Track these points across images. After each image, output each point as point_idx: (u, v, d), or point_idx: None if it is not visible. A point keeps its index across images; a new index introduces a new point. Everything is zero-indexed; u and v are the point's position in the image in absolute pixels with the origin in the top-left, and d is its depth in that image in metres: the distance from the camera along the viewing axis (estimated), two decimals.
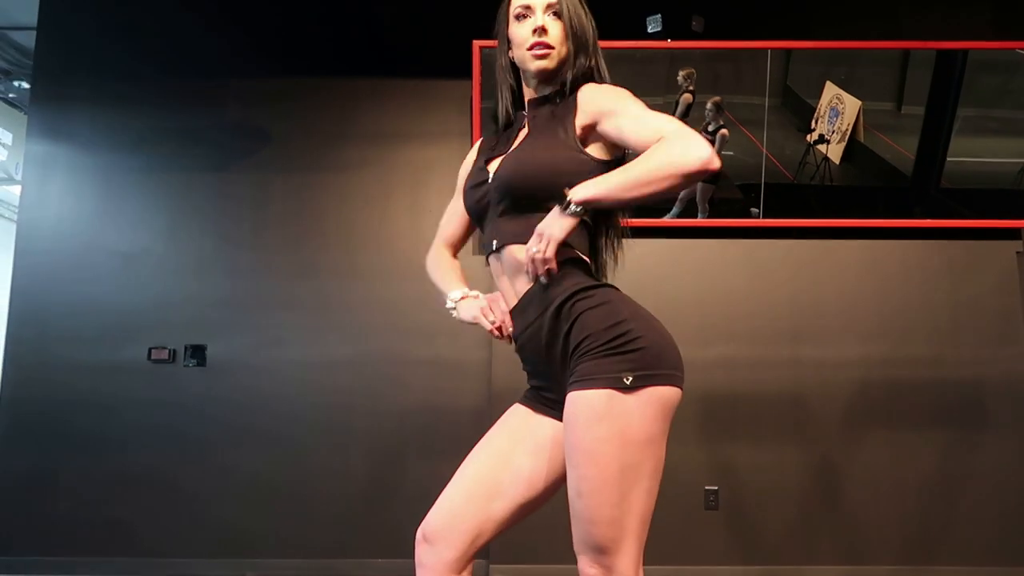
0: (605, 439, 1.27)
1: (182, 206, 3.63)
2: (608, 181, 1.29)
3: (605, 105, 1.44)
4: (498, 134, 1.64)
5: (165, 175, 3.65)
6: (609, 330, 1.31)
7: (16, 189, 5.90)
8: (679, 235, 3.50)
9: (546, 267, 1.32)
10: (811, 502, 3.38)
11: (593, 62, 1.57)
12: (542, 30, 1.49)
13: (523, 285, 1.46)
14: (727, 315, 3.48)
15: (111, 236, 3.61)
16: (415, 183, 3.66)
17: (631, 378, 1.27)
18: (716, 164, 1.27)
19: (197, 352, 3.51)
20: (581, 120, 1.46)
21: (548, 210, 1.36)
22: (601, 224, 1.57)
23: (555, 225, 1.31)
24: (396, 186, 3.66)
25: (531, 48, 1.50)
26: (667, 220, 3.45)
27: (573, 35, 1.52)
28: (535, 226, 1.36)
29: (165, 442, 3.44)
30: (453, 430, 3.46)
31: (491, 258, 1.55)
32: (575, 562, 1.43)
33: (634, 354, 1.29)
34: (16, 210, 4.82)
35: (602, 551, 1.31)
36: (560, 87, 1.54)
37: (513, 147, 1.52)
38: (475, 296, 1.63)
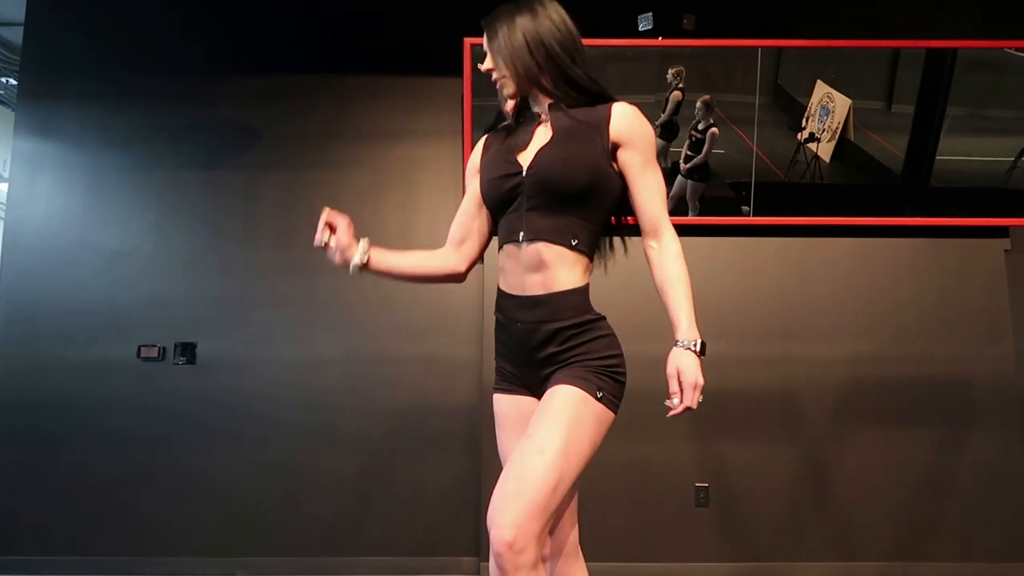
0: (577, 420, 1.49)
1: (172, 204, 3.62)
2: (691, 307, 1.69)
3: (637, 144, 1.60)
4: (501, 131, 1.71)
5: (154, 172, 3.63)
6: (605, 359, 1.58)
7: (4, 186, 5.86)
8: None
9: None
10: (801, 498, 3.39)
11: (574, 73, 1.63)
12: (487, 71, 1.68)
13: (534, 282, 1.58)
14: (717, 313, 3.49)
15: (100, 234, 3.59)
16: (406, 181, 3.65)
17: (601, 395, 1.53)
18: None
19: (187, 350, 3.50)
20: (613, 136, 1.59)
21: (581, 211, 1.57)
22: (607, 231, 1.73)
23: (696, 369, 1.63)
24: (387, 184, 3.65)
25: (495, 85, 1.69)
26: None
27: (504, 63, 1.63)
28: (568, 225, 1.57)
29: (154, 440, 3.43)
30: (444, 427, 3.46)
31: (510, 246, 1.62)
32: None
33: (612, 382, 1.57)
34: (3, 207, 4.78)
35: (530, 516, 1.39)
36: (562, 91, 1.63)
37: (545, 144, 1.59)
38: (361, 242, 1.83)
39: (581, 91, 1.62)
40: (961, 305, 3.51)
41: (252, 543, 3.39)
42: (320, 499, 3.44)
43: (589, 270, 1.65)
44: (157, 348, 3.49)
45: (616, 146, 1.59)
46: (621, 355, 1.62)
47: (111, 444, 3.44)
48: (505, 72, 1.63)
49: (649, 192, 1.60)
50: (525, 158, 1.60)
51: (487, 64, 1.67)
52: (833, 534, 3.37)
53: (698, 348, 1.59)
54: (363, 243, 1.81)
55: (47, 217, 3.60)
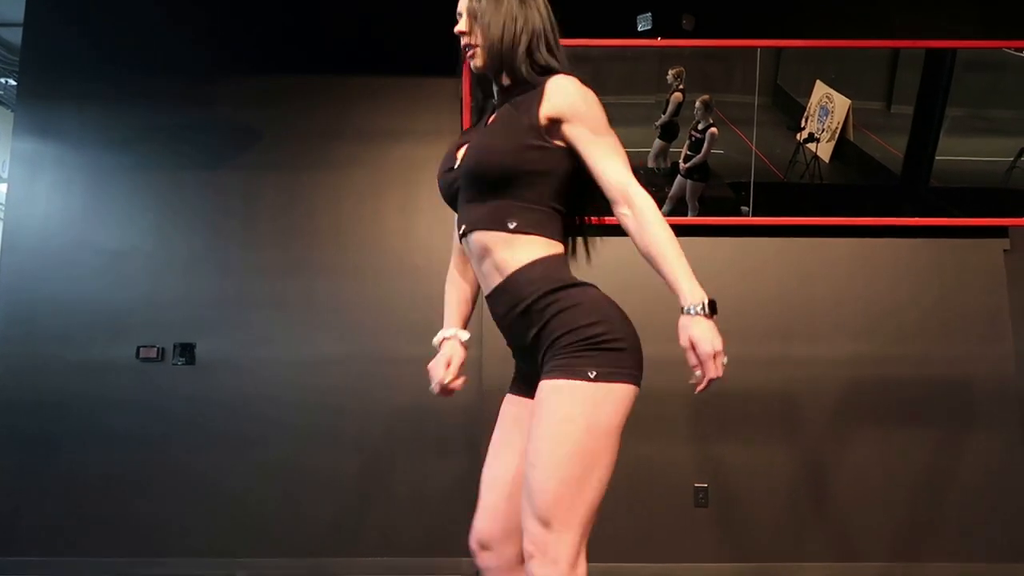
0: (569, 419, 1.35)
1: (171, 204, 3.61)
2: (685, 263, 1.45)
3: (580, 114, 1.49)
4: (476, 124, 1.69)
5: (154, 173, 3.63)
6: (580, 330, 1.39)
7: (3, 187, 5.85)
8: None
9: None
10: (801, 499, 3.39)
11: (540, 55, 1.55)
12: (462, 32, 1.58)
13: (489, 270, 1.53)
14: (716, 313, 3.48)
15: (99, 234, 3.58)
16: (406, 181, 3.65)
17: (595, 373, 1.36)
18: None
19: (186, 350, 3.49)
20: (547, 110, 1.48)
21: (515, 193, 1.48)
22: (574, 211, 1.62)
23: (710, 334, 1.38)
24: (387, 184, 3.65)
25: (463, 50, 1.59)
26: None
27: (482, 31, 1.54)
28: (501, 210, 1.48)
29: (154, 441, 3.43)
30: (443, 428, 3.46)
31: (462, 242, 1.59)
32: None
33: (602, 353, 1.38)
34: (3, 208, 4.78)
35: (544, 524, 1.33)
36: (520, 78, 1.55)
37: (478, 135, 1.57)
38: (452, 337, 1.74)
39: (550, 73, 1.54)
40: (960, 305, 3.51)
41: (251, 543, 3.39)
42: (319, 499, 3.44)
43: (551, 247, 1.51)
44: (156, 349, 3.49)
45: (555, 121, 1.48)
46: (603, 319, 1.41)
47: (110, 444, 3.43)
48: (479, 42, 1.55)
49: (606, 159, 1.47)
50: (463, 151, 1.58)
51: (462, 26, 1.57)
52: (833, 534, 3.37)
53: (707, 310, 1.39)
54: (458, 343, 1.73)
55: (46, 218, 3.60)
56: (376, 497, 3.43)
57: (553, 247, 1.51)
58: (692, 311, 1.39)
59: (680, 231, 3.66)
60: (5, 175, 5.29)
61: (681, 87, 3.41)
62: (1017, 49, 3.42)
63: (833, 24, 3.65)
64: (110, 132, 3.66)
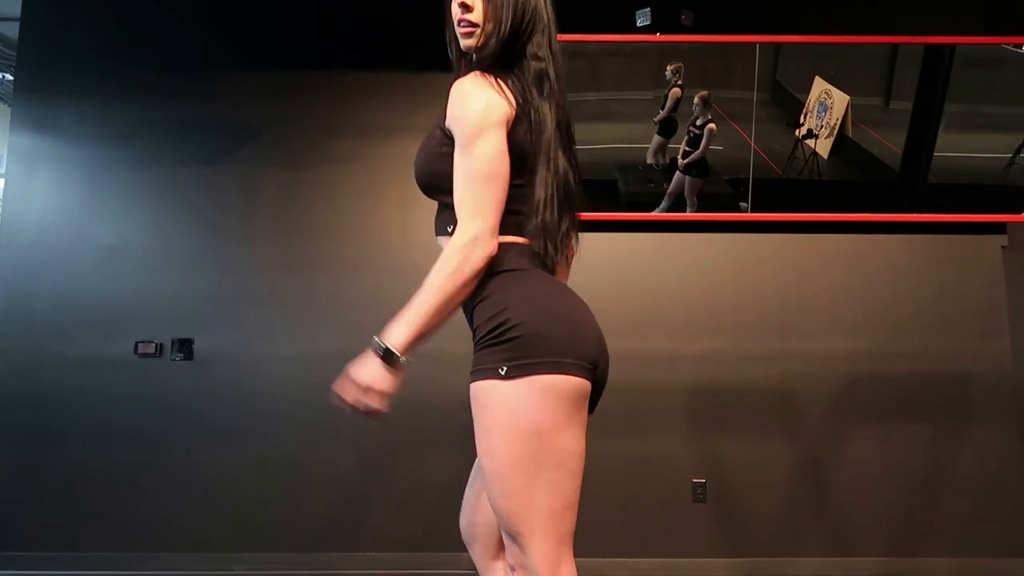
0: (489, 429, 1.28)
1: (169, 199, 3.61)
2: (419, 313, 1.29)
3: (454, 117, 1.39)
4: None
5: (152, 168, 3.62)
6: (490, 321, 1.30)
7: (0, 183, 5.84)
8: (667, 229, 3.51)
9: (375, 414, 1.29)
10: (798, 495, 3.40)
11: (533, 47, 1.45)
12: (465, 6, 1.44)
13: None
14: (715, 309, 3.49)
15: (97, 229, 3.58)
16: (405, 178, 3.63)
17: (506, 368, 1.25)
18: (490, 249, 1.30)
19: (184, 346, 3.49)
20: (447, 119, 1.43)
21: (446, 201, 1.39)
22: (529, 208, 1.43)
23: (373, 375, 1.29)
24: (386, 180, 3.64)
25: (458, 24, 1.47)
26: (655, 214, 3.45)
27: (495, 14, 1.42)
28: (445, 216, 1.42)
29: (152, 436, 3.43)
30: (441, 424, 3.46)
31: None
32: None
33: (509, 343, 1.26)
34: (0, 204, 4.77)
35: (512, 539, 1.29)
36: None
37: None
38: None
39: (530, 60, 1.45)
40: (958, 301, 3.51)
41: (249, 539, 3.39)
42: (317, 495, 3.44)
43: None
44: (154, 344, 3.49)
45: (450, 129, 1.40)
46: (510, 306, 1.30)
47: (108, 440, 3.43)
48: (484, 14, 1.44)
49: (456, 179, 1.36)
50: None
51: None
52: (830, 530, 3.37)
53: (381, 351, 1.32)
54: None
55: (44, 213, 3.59)
56: (374, 492, 3.44)
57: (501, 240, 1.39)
58: (373, 344, 1.33)
59: (678, 227, 3.66)
60: (2, 171, 5.27)
61: (680, 83, 3.40)
62: (1016, 45, 3.42)
63: (832, 20, 3.65)
64: (107, 127, 3.65)
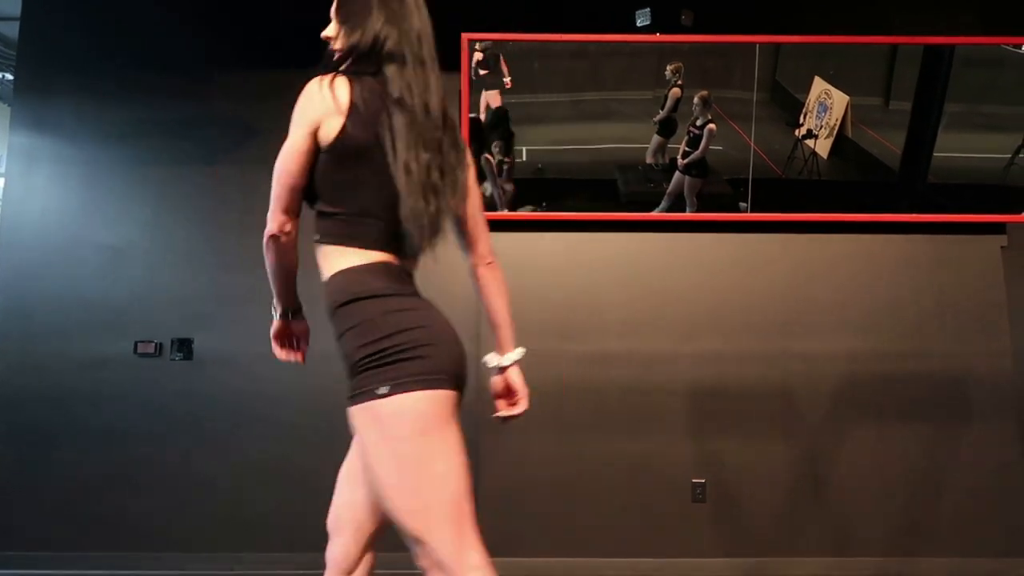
0: (376, 443, 1.40)
1: (169, 199, 3.60)
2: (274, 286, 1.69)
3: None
4: None
5: (151, 168, 3.62)
6: (363, 348, 1.42)
7: (0, 181, 5.84)
8: (667, 229, 3.51)
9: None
10: (798, 494, 3.40)
11: (392, 53, 1.55)
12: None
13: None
14: (715, 309, 3.49)
15: (97, 229, 3.58)
16: None
17: (386, 388, 1.38)
18: (273, 229, 1.66)
19: (184, 346, 3.49)
20: None
21: (314, 207, 1.68)
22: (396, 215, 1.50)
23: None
24: None
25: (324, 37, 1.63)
26: (655, 214, 3.45)
27: (345, 32, 1.64)
28: (315, 222, 1.64)
29: (151, 436, 3.42)
30: None
31: None
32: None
33: (385, 367, 1.39)
34: (0, 203, 4.76)
35: (416, 543, 1.39)
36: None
37: None
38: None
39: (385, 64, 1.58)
40: (958, 301, 3.51)
41: (248, 539, 3.39)
42: (317, 495, 3.42)
43: (360, 256, 1.56)
44: (154, 344, 3.49)
45: None
46: (380, 337, 1.43)
47: (108, 440, 3.43)
48: (332, 35, 1.77)
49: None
50: None
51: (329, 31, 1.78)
52: (830, 530, 3.37)
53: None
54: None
55: (43, 213, 3.59)
56: None
57: (361, 256, 1.54)
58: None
59: (678, 227, 3.66)
60: (2, 170, 5.27)
61: (679, 83, 3.40)
62: (1015, 45, 3.42)
63: (832, 20, 3.65)
64: (107, 127, 3.65)
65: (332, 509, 1.73)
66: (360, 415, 1.42)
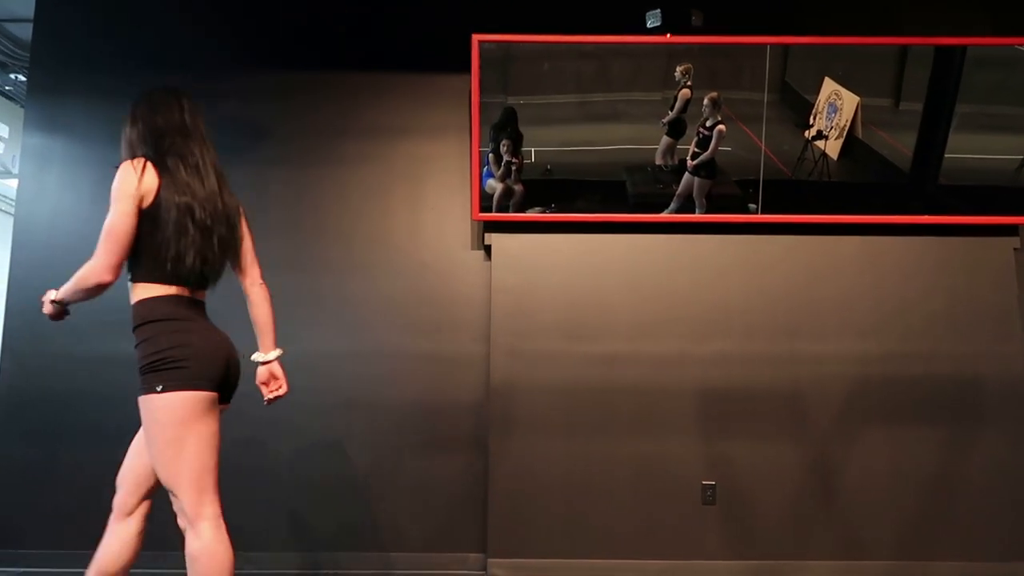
0: (151, 426, 1.98)
1: None
2: (67, 285, 2.15)
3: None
4: None
5: None
6: (148, 357, 1.97)
7: (13, 182, 5.89)
8: (677, 230, 3.50)
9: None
10: (808, 497, 3.38)
11: (173, 146, 2.14)
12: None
13: None
14: (725, 310, 3.48)
15: None
16: (414, 178, 3.65)
17: (161, 387, 1.93)
18: (107, 278, 2.04)
19: None
20: None
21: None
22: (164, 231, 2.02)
23: (49, 305, 2.30)
24: (395, 181, 3.65)
25: None
26: (665, 215, 3.45)
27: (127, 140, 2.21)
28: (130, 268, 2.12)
29: None
30: (451, 424, 3.47)
31: None
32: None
33: (162, 372, 1.94)
34: (13, 203, 4.80)
35: (172, 494, 2.01)
36: None
37: None
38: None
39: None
40: (970, 304, 3.49)
41: (259, 539, 3.40)
42: (327, 495, 3.45)
43: (150, 289, 2.07)
44: None
45: None
46: (159, 350, 1.97)
47: (118, 439, 3.40)
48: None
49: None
50: None
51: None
52: (840, 533, 3.36)
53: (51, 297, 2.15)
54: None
55: (56, 213, 3.62)
56: (384, 493, 3.44)
57: (155, 290, 2.05)
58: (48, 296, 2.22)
59: (687, 228, 3.66)
60: (15, 170, 5.31)
61: (689, 84, 3.40)
62: None
63: (842, 20, 3.64)
64: (119, 127, 3.62)
65: (121, 469, 2.20)
66: (143, 405, 1.97)
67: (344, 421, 3.49)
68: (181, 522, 2.06)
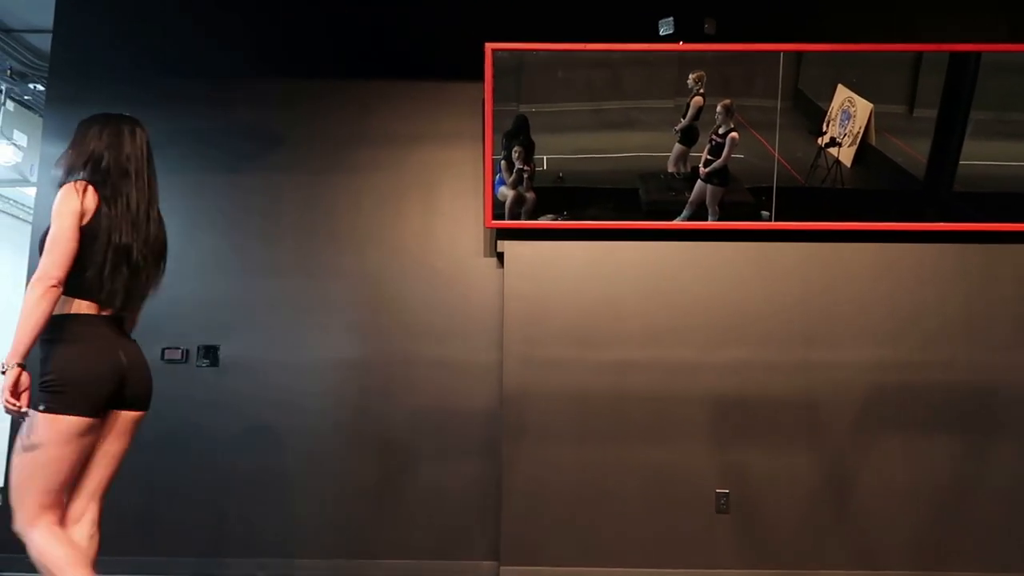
0: (24, 438, 2.00)
1: (195, 208, 3.66)
2: (17, 334, 1.96)
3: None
4: None
5: (177, 177, 3.67)
6: (44, 375, 2.01)
7: (31, 191, 5.95)
8: (690, 238, 3.50)
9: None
10: (822, 506, 3.36)
11: (110, 171, 2.22)
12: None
13: None
14: (738, 318, 3.47)
15: None
16: (427, 185, 3.67)
17: (43, 407, 1.98)
18: (53, 282, 1.97)
19: (210, 352, 3.53)
20: None
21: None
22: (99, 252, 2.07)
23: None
24: (408, 188, 3.67)
25: None
26: (678, 223, 3.45)
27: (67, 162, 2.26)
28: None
29: (177, 442, 3.47)
30: (464, 431, 3.47)
31: None
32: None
33: (47, 393, 1.99)
34: (31, 211, 4.86)
35: (12, 508, 2.01)
36: None
37: None
38: None
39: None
40: (986, 311, 3.47)
41: (272, 544, 3.42)
42: (341, 501, 3.46)
43: (69, 303, 2.05)
44: (180, 350, 3.53)
45: None
46: (53, 371, 2.00)
47: (134, 445, 3.46)
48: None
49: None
50: None
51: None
52: (855, 542, 3.34)
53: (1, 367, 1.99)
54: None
55: None
56: (397, 499, 3.45)
57: (75, 306, 2.06)
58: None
59: (700, 236, 3.65)
60: (34, 179, 5.37)
61: (702, 91, 3.40)
62: None
63: (855, 27, 3.64)
64: None
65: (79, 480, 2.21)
66: (29, 415, 2.01)
67: (357, 427, 3.50)
68: (15, 527, 2.06)
